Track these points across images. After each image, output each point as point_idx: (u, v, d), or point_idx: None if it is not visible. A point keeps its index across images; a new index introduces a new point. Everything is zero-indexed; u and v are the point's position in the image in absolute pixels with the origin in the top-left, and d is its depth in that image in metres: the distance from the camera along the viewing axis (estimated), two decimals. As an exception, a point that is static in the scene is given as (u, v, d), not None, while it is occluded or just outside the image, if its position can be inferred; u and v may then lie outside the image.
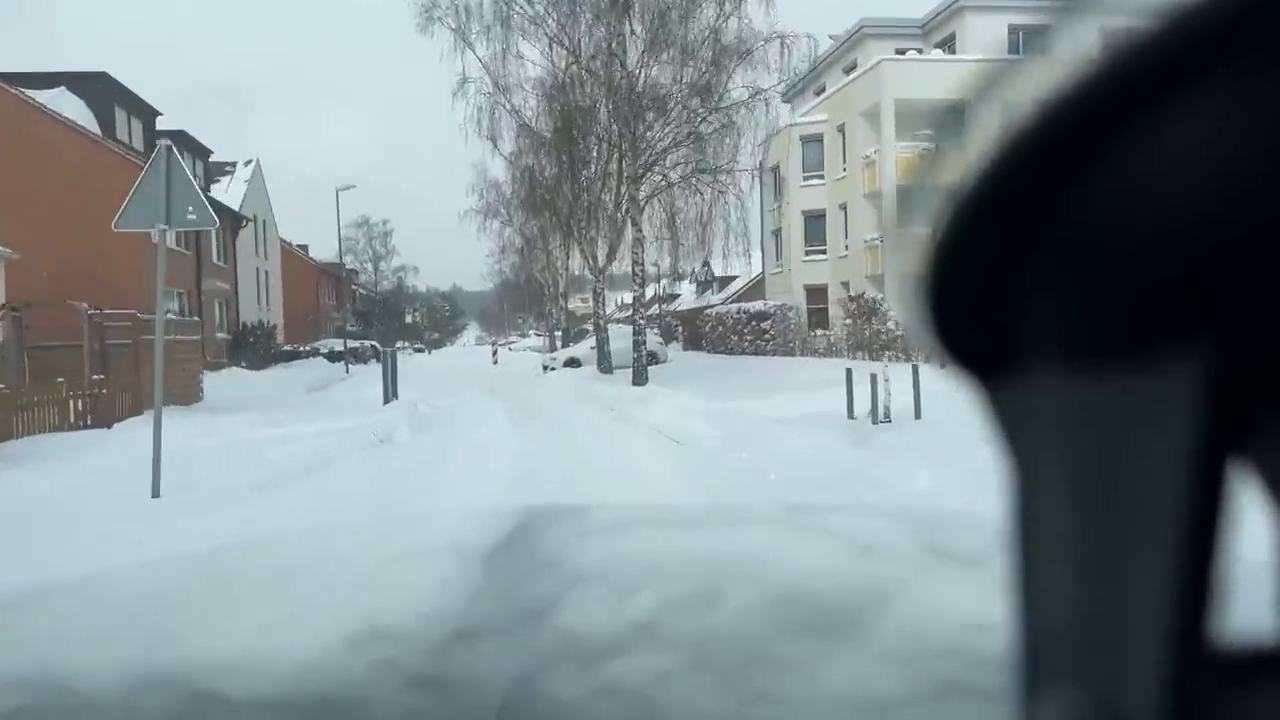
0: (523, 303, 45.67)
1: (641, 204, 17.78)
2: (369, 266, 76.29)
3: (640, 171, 17.45)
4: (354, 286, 68.91)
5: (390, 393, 14.40)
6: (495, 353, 37.79)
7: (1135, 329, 0.22)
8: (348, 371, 30.32)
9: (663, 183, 18.42)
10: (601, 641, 0.66)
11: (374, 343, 46.16)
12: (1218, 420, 0.21)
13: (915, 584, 0.77)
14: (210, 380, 20.41)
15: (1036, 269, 0.24)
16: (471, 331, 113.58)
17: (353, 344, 41.37)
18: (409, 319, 79.46)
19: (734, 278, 51.24)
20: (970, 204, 0.23)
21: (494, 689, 0.60)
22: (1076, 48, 0.21)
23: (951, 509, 1.64)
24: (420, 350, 64.51)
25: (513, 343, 67.98)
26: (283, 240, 47.12)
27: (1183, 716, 0.22)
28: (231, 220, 31.50)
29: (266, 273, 41.94)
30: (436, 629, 0.71)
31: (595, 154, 20.85)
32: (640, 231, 17.54)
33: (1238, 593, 0.24)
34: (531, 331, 65.04)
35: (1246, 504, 0.23)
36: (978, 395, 0.27)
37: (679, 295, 62.41)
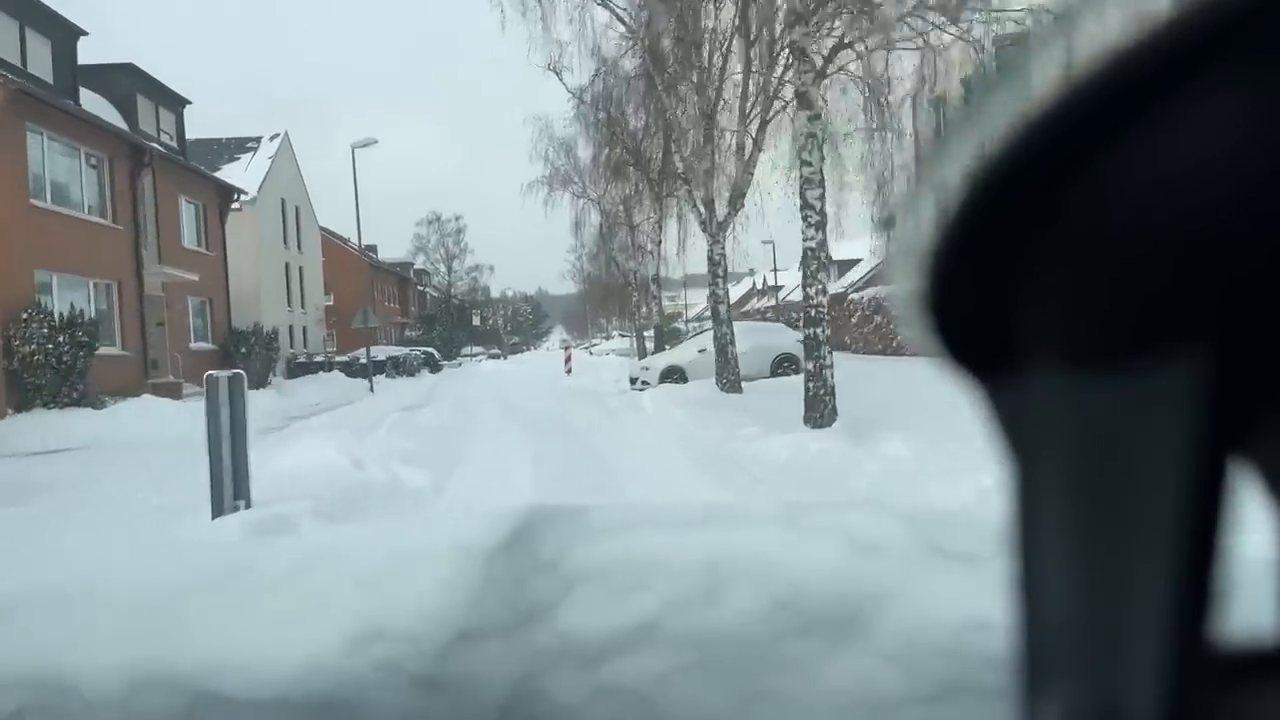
0: (605, 301, 37.37)
1: (819, 69, 8.91)
2: (441, 267, 69.89)
3: (813, 5, 8.80)
4: (420, 288, 62.41)
5: (237, 491, 5.21)
6: (568, 359, 28.74)
7: (1136, 328, 0.22)
8: (372, 390, 22.64)
9: (857, 32, 9.26)
10: (602, 641, 0.66)
11: (428, 350, 38.84)
12: (1218, 419, 0.21)
13: (915, 584, 0.77)
14: (85, 419, 12.91)
15: (1037, 267, 0.23)
16: (556, 335, 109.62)
17: (394, 352, 34.13)
18: (478, 322, 72.50)
19: (856, 261, 42.38)
20: (971, 201, 0.23)
21: (496, 688, 0.62)
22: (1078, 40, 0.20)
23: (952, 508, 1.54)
24: (495, 356, 57.14)
25: (594, 345, 60.10)
26: (325, 230, 40.21)
27: (1183, 716, 0.22)
28: (218, 193, 24.13)
29: (301, 268, 34.92)
30: (438, 629, 0.71)
31: (712, 31, 12.45)
32: (818, 113, 8.72)
33: (1238, 592, 0.24)
34: (615, 332, 56.80)
35: (1246, 503, 0.23)
36: (977, 394, 0.26)
37: (781, 287, 53.56)
